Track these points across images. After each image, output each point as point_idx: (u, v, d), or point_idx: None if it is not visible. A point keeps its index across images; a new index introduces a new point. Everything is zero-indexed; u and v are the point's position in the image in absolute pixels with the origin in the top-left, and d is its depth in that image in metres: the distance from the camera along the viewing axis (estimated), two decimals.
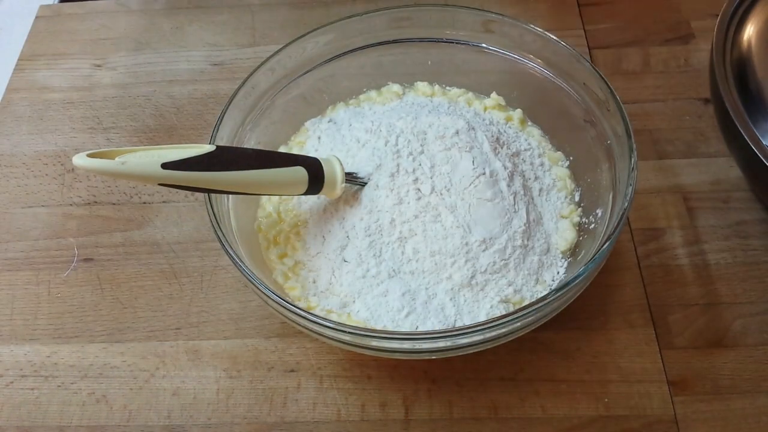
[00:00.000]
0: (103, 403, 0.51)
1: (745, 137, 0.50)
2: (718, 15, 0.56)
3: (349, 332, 0.44)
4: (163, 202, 0.62)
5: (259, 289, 0.45)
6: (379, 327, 0.48)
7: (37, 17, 0.77)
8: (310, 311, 0.46)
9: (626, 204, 0.46)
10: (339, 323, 0.44)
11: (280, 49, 0.56)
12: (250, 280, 0.45)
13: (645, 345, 0.51)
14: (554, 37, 0.55)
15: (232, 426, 0.50)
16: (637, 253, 0.56)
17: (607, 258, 0.46)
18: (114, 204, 0.62)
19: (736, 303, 0.53)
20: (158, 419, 0.50)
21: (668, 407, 0.49)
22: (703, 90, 0.57)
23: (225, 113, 0.52)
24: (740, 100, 0.52)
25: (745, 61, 0.54)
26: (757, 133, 0.50)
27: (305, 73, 0.59)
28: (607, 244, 0.45)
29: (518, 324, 0.44)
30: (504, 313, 0.48)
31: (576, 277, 0.44)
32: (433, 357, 0.49)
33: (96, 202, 0.62)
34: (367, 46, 0.60)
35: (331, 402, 0.50)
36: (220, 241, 0.46)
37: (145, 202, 0.62)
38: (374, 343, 0.45)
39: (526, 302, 0.49)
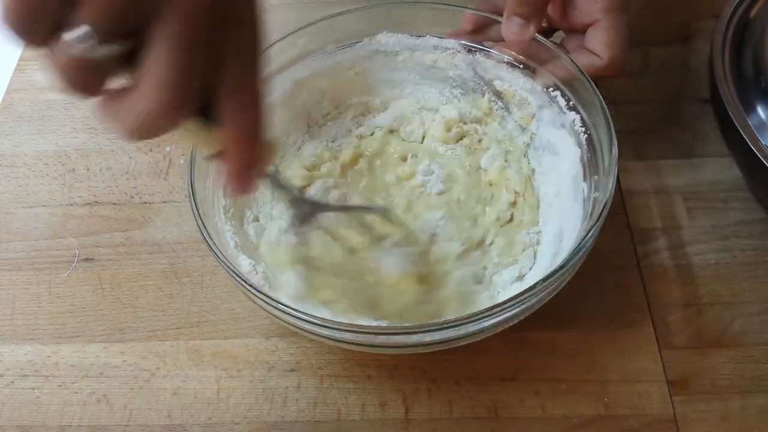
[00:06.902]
0: (103, 403, 0.51)
1: (745, 137, 0.50)
2: (718, 15, 0.56)
3: (334, 328, 0.43)
4: (164, 202, 0.62)
5: (248, 290, 0.44)
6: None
7: None
8: (298, 309, 0.45)
9: (608, 195, 0.46)
10: (325, 319, 0.43)
11: (274, 43, 0.56)
12: (237, 280, 0.45)
13: (645, 345, 0.51)
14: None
15: (233, 425, 0.50)
16: (637, 253, 0.56)
17: (588, 253, 0.45)
18: (115, 204, 0.62)
19: (736, 303, 0.53)
20: (159, 419, 0.50)
21: (668, 407, 0.49)
22: (702, 90, 0.57)
23: None
24: (740, 100, 0.52)
25: (744, 61, 0.54)
26: (756, 133, 0.50)
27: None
28: (588, 235, 0.45)
29: (503, 317, 0.44)
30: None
31: (561, 267, 0.44)
32: (419, 351, 0.48)
33: (97, 202, 0.62)
34: None
35: (331, 401, 0.50)
36: (207, 243, 0.46)
37: (145, 202, 0.62)
38: (377, 340, 0.44)
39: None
